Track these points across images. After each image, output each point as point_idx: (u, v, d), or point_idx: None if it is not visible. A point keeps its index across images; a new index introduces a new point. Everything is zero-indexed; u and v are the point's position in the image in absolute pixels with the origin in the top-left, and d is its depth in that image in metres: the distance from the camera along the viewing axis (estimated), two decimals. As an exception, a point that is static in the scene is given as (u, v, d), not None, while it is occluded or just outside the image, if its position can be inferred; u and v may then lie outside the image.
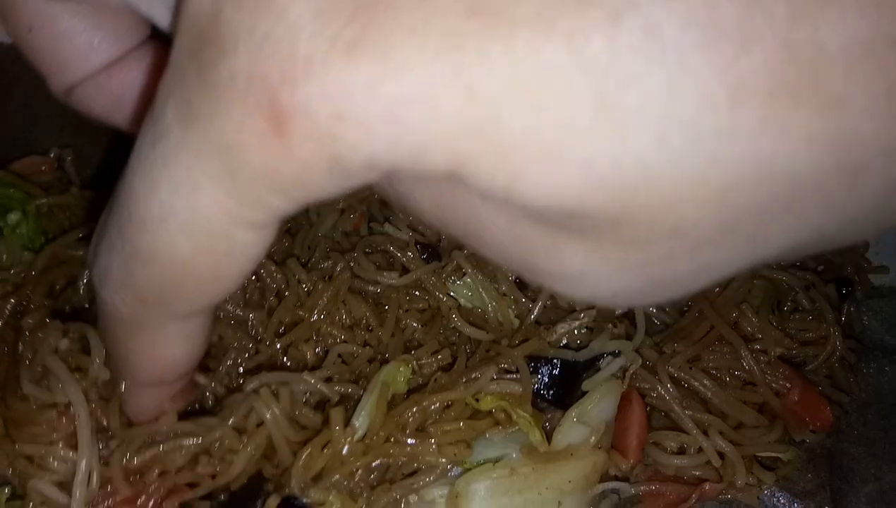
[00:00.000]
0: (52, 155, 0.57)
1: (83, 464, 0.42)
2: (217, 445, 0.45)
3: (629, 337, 0.51)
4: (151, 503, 0.43)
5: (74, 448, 0.42)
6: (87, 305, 0.51)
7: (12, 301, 0.49)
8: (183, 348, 0.35)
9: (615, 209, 0.21)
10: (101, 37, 0.34)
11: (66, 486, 0.43)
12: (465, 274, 0.55)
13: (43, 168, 0.55)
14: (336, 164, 0.22)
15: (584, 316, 0.52)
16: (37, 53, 0.35)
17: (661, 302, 0.26)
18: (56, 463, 0.43)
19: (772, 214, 0.21)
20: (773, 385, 0.51)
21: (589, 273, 0.24)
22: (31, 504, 0.42)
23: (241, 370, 0.50)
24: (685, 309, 0.55)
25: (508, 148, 0.20)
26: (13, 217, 0.51)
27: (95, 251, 0.31)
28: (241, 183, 0.24)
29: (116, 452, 0.43)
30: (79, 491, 0.42)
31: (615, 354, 0.50)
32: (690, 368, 0.51)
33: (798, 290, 0.55)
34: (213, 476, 0.45)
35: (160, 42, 0.35)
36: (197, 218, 0.25)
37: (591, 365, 0.50)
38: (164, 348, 0.35)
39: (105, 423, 0.44)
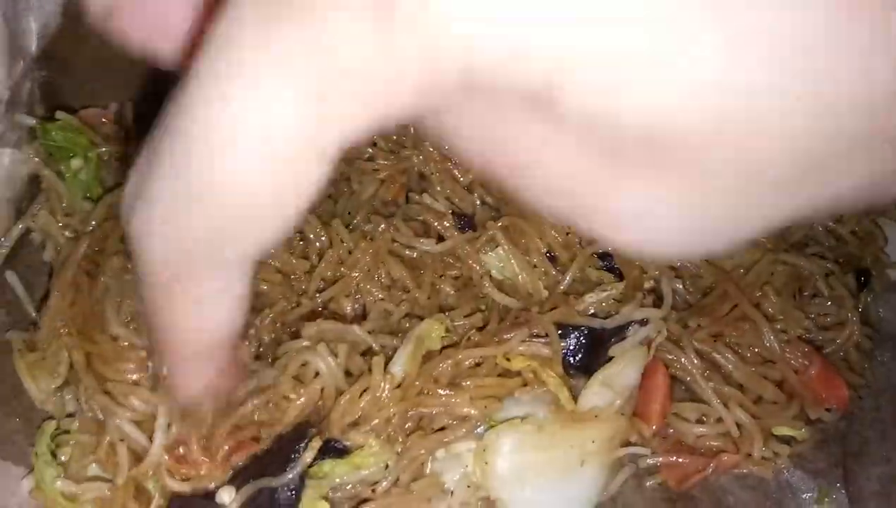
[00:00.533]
0: (112, 109, 0.59)
1: (165, 409, 0.44)
2: (274, 392, 0.47)
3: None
4: (220, 455, 0.45)
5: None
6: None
7: (87, 242, 0.51)
8: (226, 309, 0.31)
9: (706, 131, 0.20)
10: None
11: (141, 426, 0.45)
12: (497, 246, 0.57)
13: (104, 120, 0.58)
14: (434, 63, 0.21)
15: (611, 289, 0.54)
16: None
17: (708, 252, 0.27)
18: (137, 403, 0.45)
19: (860, 149, 0.21)
20: (793, 362, 0.53)
21: (648, 213, 0.23)
22: (108, 439, 0.45)
23: (282, 322, 0.53)
24: (708, 289, 0.57)
25: (619, 57, 0.20)
26: (76, 162, 0.54)
27: (134, 196, 0.27)
28: (327, 90, 0.22)
29: (193, 429, 0.45)
30: (159, 434, 0.44)
31: (643, 323, 0.51)
32: (714, 342, 0.52)
33: (818, 277, 0.57)
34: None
35: None
36: (272, 136, 0.23)
37: (619, 333, 0.51)
38: (207, 310, 0.31)
39: None
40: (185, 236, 0.27)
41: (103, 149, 0.56)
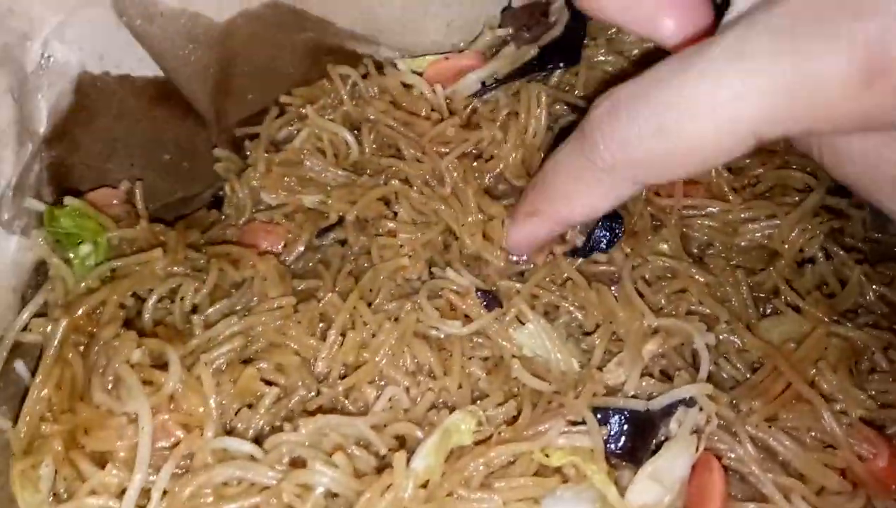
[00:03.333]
0: (122, 188, 0.56)
1: (137, 478, 0.41)
2: (274, 500, 0.43)
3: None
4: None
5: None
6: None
7: (81, 310, 0.48)
8: (605, 206, 0.44)
9: None
10: None
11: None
12: (524, 323, 0.52)
13: (114, 200, 0.55)
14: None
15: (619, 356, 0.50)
16: None
17: None
18: (108, 477, 0.42)
19: None
20: (856, 448, 0.48)
21: None
22: None
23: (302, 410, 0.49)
24: (756, 365, 0.53)
25: None
26: (84, 249, 0.51)
27: (610, 111, 0.39)
28: (794, 105, 0.32)
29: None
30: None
31: (689, 403, 0.47)
32: (770, 427, 0.48)
33: (875, 350, 0.52)
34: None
35: None
36: (729, 116, 0.33)
37: (668, 414, 0.47)
38: (596, 199, 0.43)
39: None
40: (631, 153, 0.38)
41: (113, 233, 0.52)
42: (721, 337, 0.53)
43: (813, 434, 0.49)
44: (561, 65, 0.61)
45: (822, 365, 0.51)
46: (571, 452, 0.45)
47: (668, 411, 0.47)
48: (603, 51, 0.63)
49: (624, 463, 0.47)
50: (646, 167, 0.39)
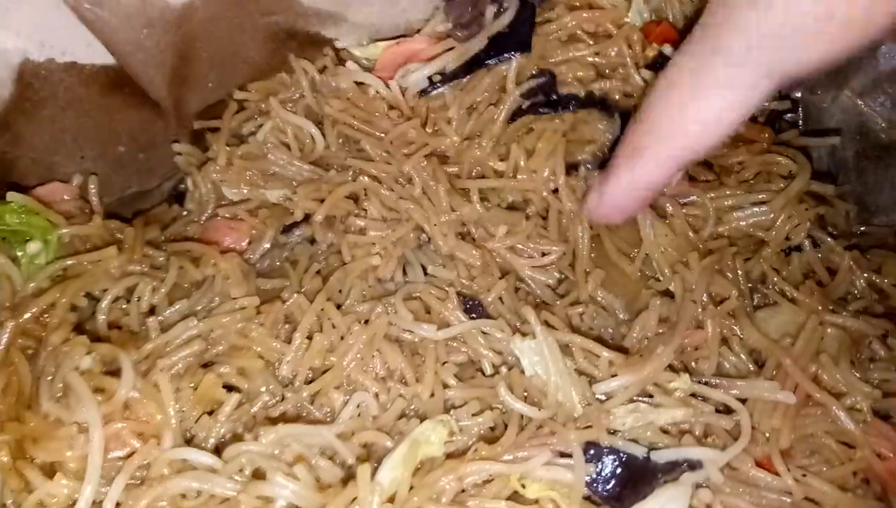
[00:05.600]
0: (74, 183, 0.54)
1: (87, 490, 0.40)
2: None
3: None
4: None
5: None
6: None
7: (29, 313, 0.46)
8: (734, 116, 0.38)
9: None
10: None
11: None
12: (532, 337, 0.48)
13: (65, 196, 0.52)
14: None
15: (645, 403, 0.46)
16: None
17: None
18: (56, 487, 0.41)
19: None
20: (875, 447, 0.46)
21: None
22: None
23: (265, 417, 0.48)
24: (754, 355, 0.50)
25: None
26: (33, 247, 0.48)
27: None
28: None
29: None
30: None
31: (693, 466, 0.44)
32: (804, 475, 0.46)
33: (873, 339, 0.51)
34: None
35: None
36: None
37: (669, 471, 0.44)
38: (725, 106, 0.38)
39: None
40: (773, 20, 0.35)
41: (64, 230, 0.50)
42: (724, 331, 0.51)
43: (827, 436, 0.47)
44: (514, 54, 0.58)
45: (824, 358, 0.49)
46: (549, 486, 0.42)
47: (671, 468, 0.44)
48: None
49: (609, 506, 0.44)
50: (784, 44, 0.35)
